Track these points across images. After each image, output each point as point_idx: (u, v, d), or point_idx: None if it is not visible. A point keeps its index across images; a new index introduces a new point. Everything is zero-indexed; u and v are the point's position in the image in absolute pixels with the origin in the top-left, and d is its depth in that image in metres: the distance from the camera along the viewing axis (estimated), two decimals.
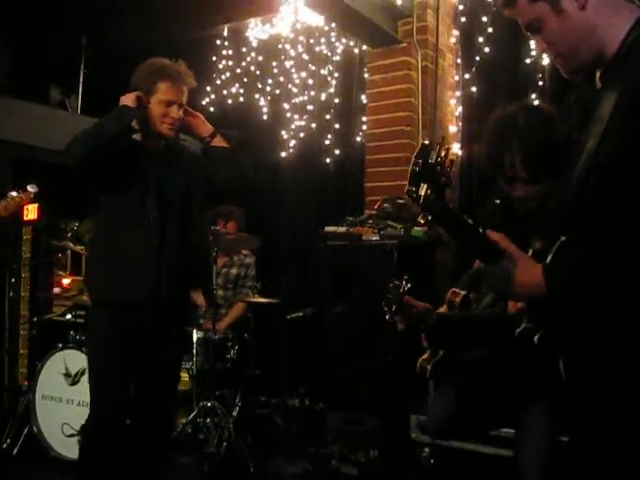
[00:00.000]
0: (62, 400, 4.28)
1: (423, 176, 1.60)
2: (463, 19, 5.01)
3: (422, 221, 1.66)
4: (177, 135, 3.16)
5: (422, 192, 1.60)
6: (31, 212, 5.28)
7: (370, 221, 4.51)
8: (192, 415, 4.39)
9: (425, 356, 2.90)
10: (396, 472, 4.04)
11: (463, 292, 2.87)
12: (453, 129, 5.18)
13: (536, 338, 1.71)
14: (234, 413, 4.52)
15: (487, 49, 4.78)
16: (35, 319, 5.22)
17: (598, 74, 1.74)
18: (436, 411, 2.96)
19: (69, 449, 4.08)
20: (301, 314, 4.83)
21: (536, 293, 1.64)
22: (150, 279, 2.94)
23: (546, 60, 4.52)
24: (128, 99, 2.91)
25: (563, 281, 1.64)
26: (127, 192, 2.95)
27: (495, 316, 2.59)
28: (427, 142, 1.67)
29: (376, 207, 4.60)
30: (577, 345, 1.67)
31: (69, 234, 5.69)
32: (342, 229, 4.48)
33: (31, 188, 3.88)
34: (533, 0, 1.72)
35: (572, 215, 1.68)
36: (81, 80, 6.49)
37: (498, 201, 1.72)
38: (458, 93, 5.15)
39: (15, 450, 4.30)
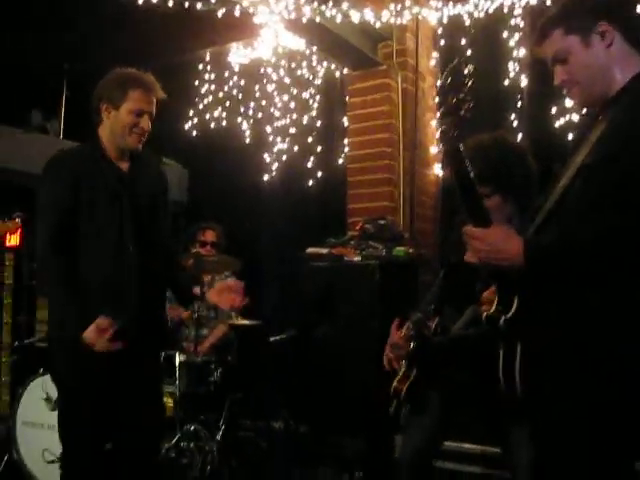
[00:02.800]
0: (43, 426, 4.23)
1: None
2: (442, 42, 5.08)
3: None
4: (142, 149, 2.97)
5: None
6: (13, 238, 5.25)
7: (352, 242, 4.53)
8: (175, 439, 4.34)
9: (399, 378, 2.91)
10: None
11: (436, 319, 2.91)
12: (434, 150, 5.23)
13: (502, 320, 1.87)
14: (218, 437, 4.47)
15: (466, 71, 4.84)
16: (16, 344, 5.17)
17: (599, 111, 2.02)
18: (409, 446, 2.96)
19: (50, 475, 4.03)
20: (284, 336, 4.81)
21: (514, 262, 1.83)
22: (130, 308, 2.83)
23: (524, 82, 4.58)
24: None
25: (539, 253, 1.83)
26: (103, 220, 2.83)
27: (477, 333, 2.64)
28: None
29: (358, 228, 4.61)
30: (539, 327, 1.86)
31: None
32: (324, 250, 4.49)
33: (18, 217, 3.86)
34: (567, 33, 2.00)
35: (554, 214, 1.92)
36: (63, 104, 6.50)
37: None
38: (438, 115, 5.20)
39: None
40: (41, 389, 4.25)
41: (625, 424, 1.78)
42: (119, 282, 2.83)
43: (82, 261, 2.81)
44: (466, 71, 1.87)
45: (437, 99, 5.22)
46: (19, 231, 5.17)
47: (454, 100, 1.93)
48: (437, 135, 5.22)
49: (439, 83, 5.19)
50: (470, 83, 1.94)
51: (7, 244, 5.27)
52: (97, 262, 2.81)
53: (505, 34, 4.65)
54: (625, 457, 1.83)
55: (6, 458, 4.30)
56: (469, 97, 1.95)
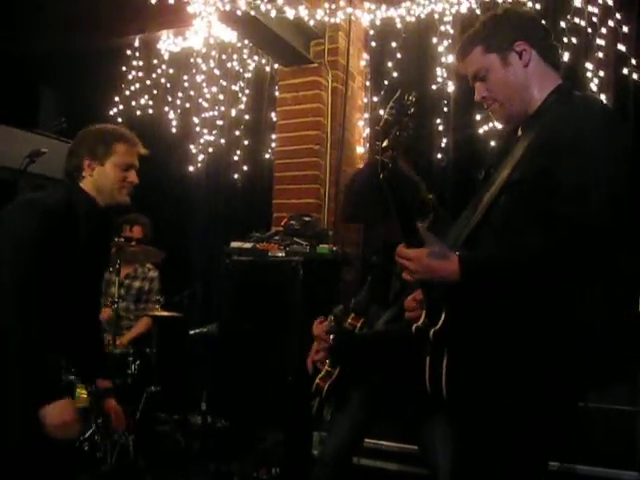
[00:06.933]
0: None
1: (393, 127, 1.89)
2: (373, 43, 5.13)
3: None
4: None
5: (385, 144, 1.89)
6: None
7: (277, 237, 4.53)
8: (89, 432, 4.25)
9: (321, 375, 2.94)
10: None
11: (362, 318, 2.95)
12: (360, 150, 5.29)
13: (432, 332, 1.88)
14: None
15: (395, 74, 4.90)
16: None
17: (520, 127, 2.09)
18: (331, 443, 3.00)
19: None
20: (205, 330, 4.78)
21: (449, 279, 1.83)
22: None
23: (451, 87, 4.68)
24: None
25: (476, 270, 1.84)
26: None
27: (398, 330, 2.69)
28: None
29: (283, 224, 4.62)
30: (468, 336, 1.88)
31: None
32: (248, 245, 4.48)
33: None
34: (486, 52, 2.06)
35: (480, 229, 1.95)
36: None
37: None
38: (366, 115, 5.26)
39: None
40: None
41: (546, 426, 1.86)
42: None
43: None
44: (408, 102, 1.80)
45: (365, 100, 5.29)
46: None
47: (397, 134, 1.90)
48: (364, 135, 5.28)
49: (368, 84, 5.26)
50: (412, 111, 1.89)
51: None
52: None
53: (435, 40, 4.74)
54: (541, 457, 1.93)
55: None
56: (410, 126, 1.91)
